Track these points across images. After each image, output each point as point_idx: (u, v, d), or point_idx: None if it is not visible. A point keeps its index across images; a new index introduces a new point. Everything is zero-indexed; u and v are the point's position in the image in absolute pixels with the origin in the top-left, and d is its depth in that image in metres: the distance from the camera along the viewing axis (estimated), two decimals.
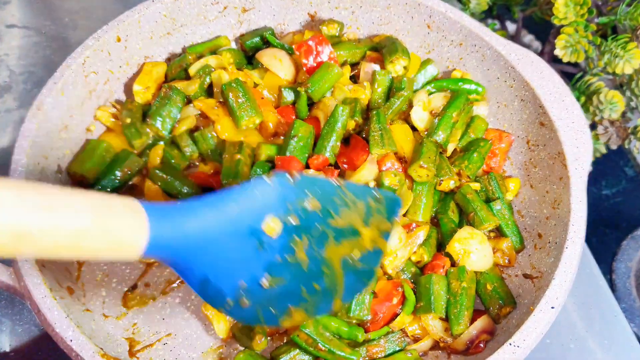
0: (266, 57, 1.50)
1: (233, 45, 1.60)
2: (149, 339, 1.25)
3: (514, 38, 1.97)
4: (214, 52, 1.53)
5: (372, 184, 1.33)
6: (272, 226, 0.93)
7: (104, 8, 1.95)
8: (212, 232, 0.86)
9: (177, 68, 1.50)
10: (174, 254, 0.84)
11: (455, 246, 1.31)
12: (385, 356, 1.23)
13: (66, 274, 1.26)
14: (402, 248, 1.29)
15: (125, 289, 1.31)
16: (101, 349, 1.10)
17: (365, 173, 1.33)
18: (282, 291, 0.96)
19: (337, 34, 1.57)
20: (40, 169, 1.29)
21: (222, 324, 1.23)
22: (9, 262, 1.18)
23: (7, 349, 1.39)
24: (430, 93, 1.51)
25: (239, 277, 0.92)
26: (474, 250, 1.31)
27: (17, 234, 0.67)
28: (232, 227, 0.88)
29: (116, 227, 0.75)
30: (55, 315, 1.10)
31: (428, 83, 1.53)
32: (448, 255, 1.33)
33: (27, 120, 1.28)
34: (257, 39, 1.57)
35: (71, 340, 1.09)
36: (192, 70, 1.48)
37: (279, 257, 0.95)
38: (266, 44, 1.57)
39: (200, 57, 1.51)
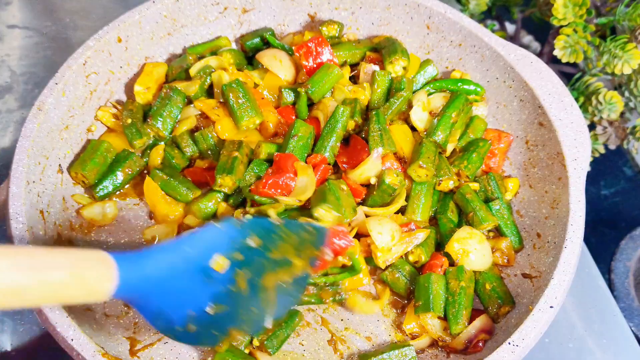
0: (266, 57, 1.51)
1: (233, 46, 1.60)
2: (150, 338, 1.25)
3: (513, 39, 1.98)
4: (214, 52, 1.54)
5: (373, 180, 1.34)
6: (219, 263, 1.07)
7: (105, 9, 1.95)
8: (167, 273, 1.01)
9: (178, 69, 1.50)
10: (136, 294, 0.99)
11: (454, 246, 1.32)
12: None
13: None
14: (396, 245, 1.29)
15: None
16: (102, 348, 1.10)
17: (369, 167, 1.34)
18: (224, 316, 1.09)
19: (337, 35, 1.57)
20: (41, 169, 1.29)
21: None
22: None
23: (9, 348, 1.39)
24: (430, 93, 1.51)
25: (188, 308, 1.06)
26: (472, 250, 1.31)
27: (11, 291, 0.82)
28: (185, 267, 1.03)
29: (89, 278, 0.90)
30: (57, 314, 1.11)
31: (427, 83, 1.53)
32: (447, 255, 1.33)
33: (28, 121, 1.29)
34: (257, 40, 1.57)
35: (72, 340, 1.09)
36: (192, 71, 1.48)
37: (223, 288, 1.08)
38: (266, 44, 1.58)
39: (200, 57, 1.51)
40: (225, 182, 1.34)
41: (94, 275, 0.91)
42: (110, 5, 1.97)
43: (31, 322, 1.42)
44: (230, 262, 1.08)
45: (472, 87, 1.50)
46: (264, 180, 1.30)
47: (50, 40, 1.87)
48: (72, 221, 1.35)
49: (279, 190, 1.29)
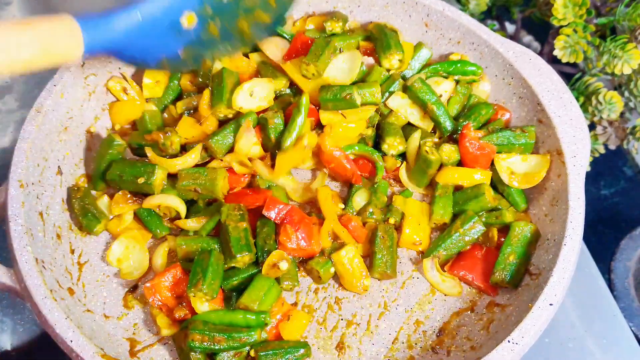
0: (267, 46, 1.51)
1: None
2: (150, 339, 1.25)
3: (513, 39, 1.97)
4: None
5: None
6: (188, 19, 1.23)
7: (104, 9, 1.95)
8: (135, 32, 1.18)
9: None
10: (109, 49, 1.17)
11: (498, 163, 1.39)
12: None
13: (67, 275, 1.27)
14: None
15: (126, 290, 1.32)
16: (101, 349, 1.10)
17: None
18: (196, 55, 1.31)
19: (341, 32, 1.55)
20: (40, 170, 1.29)
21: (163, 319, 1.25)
22: (10, 264, 1.19)
23: (9, 348, 1.40)
24: (427, 77, 1.50)
25: (160, 54, 1.26)
26: (515, 162, 1.39)
27: None
28: (154, 24, 1.19)
29: (57, 49, 1.05)
30: (56, 316, 1.11)
31: (423, 67, 1.53)
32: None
33: (26, 123, 1.29)
34: None
35: (71, 341, 1.09)
36: None
37: (194, 38, 1.27)
38: None
39: None
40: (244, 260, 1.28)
41: (62, 46, 1.05)
42: (110, 6, 1.96)
43: (31, 322, 1.43)
44: (200, 17, 1.23)
45: (470, 68, 1.50)
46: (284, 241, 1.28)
47: None
48: (71, 223, 1.35)
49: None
